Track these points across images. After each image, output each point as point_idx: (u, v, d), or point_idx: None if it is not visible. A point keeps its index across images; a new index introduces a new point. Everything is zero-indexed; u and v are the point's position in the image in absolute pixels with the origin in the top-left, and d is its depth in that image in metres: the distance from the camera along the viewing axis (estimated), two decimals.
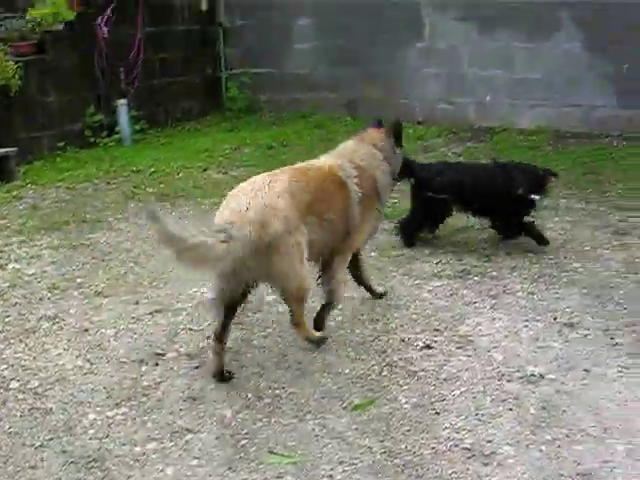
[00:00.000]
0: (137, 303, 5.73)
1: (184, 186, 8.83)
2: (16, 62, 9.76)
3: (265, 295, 5.61)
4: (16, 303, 5.80)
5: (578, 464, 3.71)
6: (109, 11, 10.93)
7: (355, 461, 3.81)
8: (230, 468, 3.80)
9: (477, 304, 5.51)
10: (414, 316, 5.32)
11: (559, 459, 3.76)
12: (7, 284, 6.15)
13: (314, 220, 4.60)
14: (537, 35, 10.94)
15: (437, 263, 6.28)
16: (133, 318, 5.48)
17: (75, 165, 9.89)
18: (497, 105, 11.33)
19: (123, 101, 11.03)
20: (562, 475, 3.64)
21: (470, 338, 4.97)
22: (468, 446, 3.89)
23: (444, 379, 4.52)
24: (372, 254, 6.42)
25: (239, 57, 13.14)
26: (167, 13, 12.34)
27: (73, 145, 10.60)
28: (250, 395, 4.45)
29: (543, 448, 3.85)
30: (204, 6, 12.83)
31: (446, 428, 4.05)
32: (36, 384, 4.61)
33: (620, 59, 10.49)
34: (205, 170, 9.56)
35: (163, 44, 12.19)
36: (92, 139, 10.83)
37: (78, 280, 6.20)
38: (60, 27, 10.45)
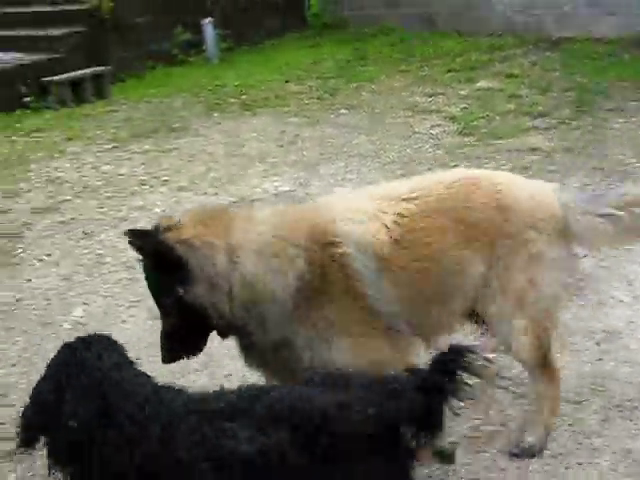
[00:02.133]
0: (216, 194, 6.28)
1: (265, 96, 9.27)
2: None
3: None
4: (109, 197, 6.43)
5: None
6: None
7: None
8: None
9: None
10: None
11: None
12: (102, 182, 6.79)
13: None
14: None
15: None
16: None
17: (164, 81, 10.48)
18: (576, 15, 11.29)
19: (207, 20, 11.46)
20: None
21: None
22: None
23: None
24: (438, 152, 6.78)
25: None
26: None
27: (162, 63, 11.17)
28: None
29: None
30: None
31: None
32: (125, 259, 5.22)
33: None
34: (286, 82, 9.96)
35: None
36: (180, 57, 11.38)
37: (164, 178, 6.79)
38: None
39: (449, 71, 9.74)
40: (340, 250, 2.84)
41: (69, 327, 4.40)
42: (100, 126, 8.61)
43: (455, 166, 6.40)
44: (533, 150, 6.70)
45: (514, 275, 3.00)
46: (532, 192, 3.11)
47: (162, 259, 2.77)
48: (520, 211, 3.00)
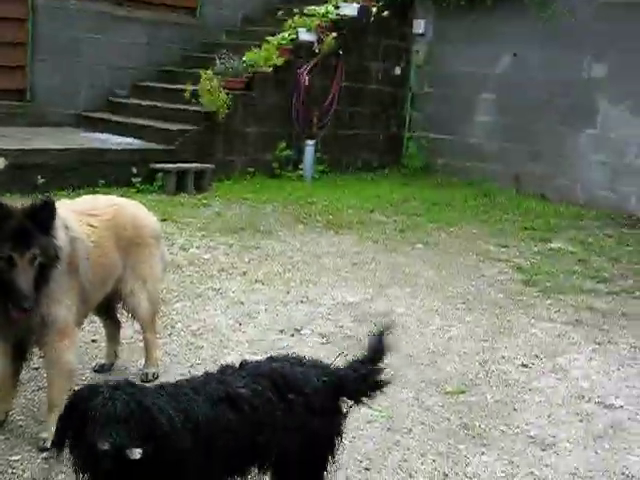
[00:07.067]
0: (288, 293, 6.79)
1: (350, 220, 9.88)
2: (227, 94, 11.26)
3: None
4: (190, 275, 7.01)
5: (626, 469, 4.34)
6: (312, 63, 12.35)
7: (435, 425, 4.61)
8: None
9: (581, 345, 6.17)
10: (520, 343, 6.06)
11: (609, 461, 4.40)
12: (186, 262, 7.39)
13: None
14: None
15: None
16: (282, 302, 6.53)
17: (260, 188, 11.20)
18: None
19: (311, 142, 12.30)
20: (607, 471, 4.29)
21: (564, 367, 5.64)
22: (532, 435, 4.60)
23: (529, 389, 5.23)
24: (499, 295, 7.20)
25: (422, 121, 14.23)
26: (363, 73, 13.63)
27: (261, 172, 11.99)
28: None
29: (598, 451, 4.49)
30: (397, 71, 14.14)
31: (517, 420, 4.77)
32: (195, 328, 5.72)
33: None
34: (371, 212, 10.57)
35: (356, 99, 13.52)
36: (278, 170, 12.20)
37: (243, 269, 7.35)
38: (268, 70, 11.93)
39: (526, 229, 10.22)
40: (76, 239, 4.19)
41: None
42: (194, 215, 9.31)
43: (511, 310, 6.84)
44: (590, 309, 7.04)
45: (141, 265, 4.71)
46: (149, 216, 4.89)
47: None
48: (145, 227, 4.76)
